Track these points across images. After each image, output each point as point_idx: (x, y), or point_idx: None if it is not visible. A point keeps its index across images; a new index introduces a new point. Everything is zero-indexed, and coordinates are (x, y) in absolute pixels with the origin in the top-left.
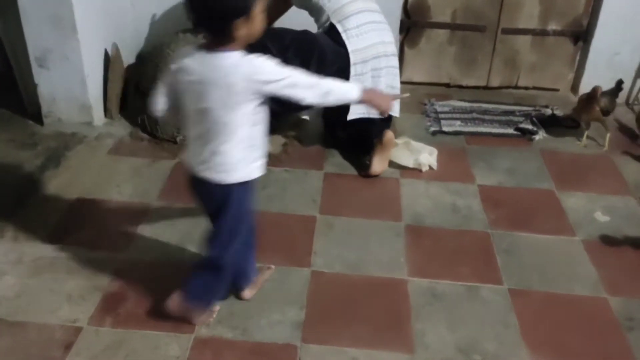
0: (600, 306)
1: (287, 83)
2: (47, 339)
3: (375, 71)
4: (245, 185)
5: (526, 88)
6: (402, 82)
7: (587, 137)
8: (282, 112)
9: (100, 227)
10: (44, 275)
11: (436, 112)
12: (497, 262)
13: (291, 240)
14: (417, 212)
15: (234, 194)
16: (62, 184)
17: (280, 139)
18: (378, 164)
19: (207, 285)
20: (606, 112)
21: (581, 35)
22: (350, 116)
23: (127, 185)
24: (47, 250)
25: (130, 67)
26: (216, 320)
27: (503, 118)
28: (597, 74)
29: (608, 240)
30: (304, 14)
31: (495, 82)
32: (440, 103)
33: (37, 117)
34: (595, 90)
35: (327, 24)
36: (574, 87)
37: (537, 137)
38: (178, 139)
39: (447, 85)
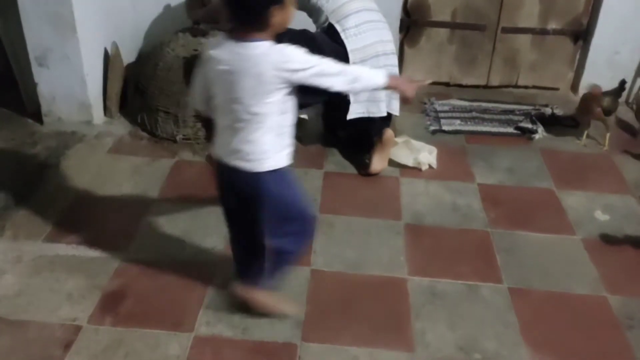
0: (600, 305)
1: (315, 71)
2: (47, 337)
3: None
4: (276, 173)
5: (526, 87)
6: None
7: (588, 136)
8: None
9: (100, 226)
10: (43, 274)
11: (436, 111)
12: (497, 261)
13: None
14: (417, 210)
15: (266, 182)
16: (61, 182)
17: None
18: (378, 163)
19: (276, 269)
20: (608, 112)
21: (581, 34)
22: (350, 116)
23: (127, 184)
24: (47, 249)
25: (129, 66)
26: (216, 318)
27: (503, 117)
28: (597, 73)
29: (608, 239)
30: (303, 14)
31: (495, 81)
32: (440, 102)
33: (36, 116)
34: (594, 89)
35: (326, 24)
36: (574, 86)
37: (536, 136)
38: (178, 138)
39: (447, 84)
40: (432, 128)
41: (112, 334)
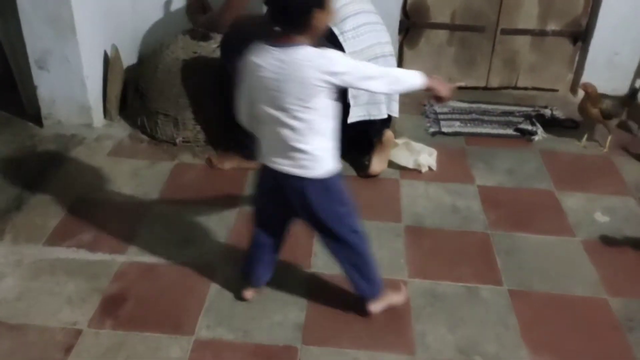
0: (601, 307)
1: (359, 74)
2: (47, 341)
3: None
4: (333, 177)
5: (525, 89)
6: None
7: (589, 138)
8: None
9: (100, 229)
10: (43, 278)
11: (435, 113)
12: (497, 262)
13: (292, 242)
14: (417, 212)
15: (324, 186)
16: (61, 185)
17: None
18: (377, 164)
19: (360, 275)
20: (608, 115)
21: (580, 35)
22: (351, 119)
23: (127, 186)
24: (47, 252)
25: (129, 69)
26: (216, 321)
27: (502, 119)
28: (597, 75)
29: (608, 241)
30: None
31: (494, 82)
32: (440, 104)
33: (36, 118)
34: (584, 87)
35: None
36: (573, 88)
37: (536, 137)
38: (177, 141)
39: None
40: (431, 130)
41: (112, 337)
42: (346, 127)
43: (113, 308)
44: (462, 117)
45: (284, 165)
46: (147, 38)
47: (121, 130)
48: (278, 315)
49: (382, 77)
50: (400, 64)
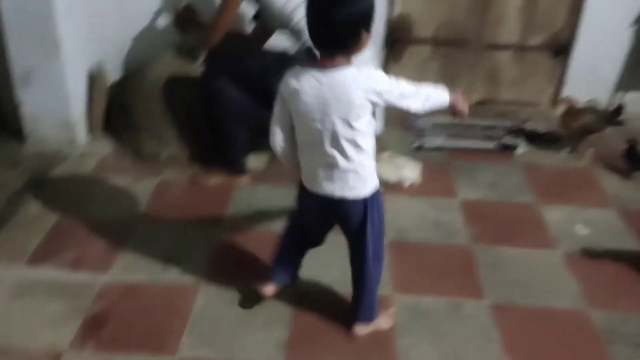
0: (582, 320)
1: (398, 93)
2: None
3: None
4: (378, 193)
5: (508, 102)
6: None
7: (569, 151)
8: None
9: (83, 248)
10: (25, 298)
11: (419, 128)
12: (480, 276)
13: None
14: (401, 227)
15: (372, 203)
16: (44, 203)
17: (263, 155)
18: None
19: (372, 300)
20: (588, 129)
21: (561, 49)
22: None
23: (111, 204)
24: (29, 272)
25: (114, 85)
26: (200, 341)
27: (485, 133)
28: (578, 88)
29: (589, 254)
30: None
31: (477, 96)
32: (423, 118)
33: (19, 136)
34: (564, 101)
35: (305, 46)
36: (555, 101)
37: (518, 151)
38: (162, 157)
39: None
40: (415, 145)
41: (94, 359)
42: None
43: (95, 329)
44: (445, 131)
45: (333, 188)
46: (133, 54)
47: (105, 147)
48: (261, 333)
49: (416, 96)
50: None
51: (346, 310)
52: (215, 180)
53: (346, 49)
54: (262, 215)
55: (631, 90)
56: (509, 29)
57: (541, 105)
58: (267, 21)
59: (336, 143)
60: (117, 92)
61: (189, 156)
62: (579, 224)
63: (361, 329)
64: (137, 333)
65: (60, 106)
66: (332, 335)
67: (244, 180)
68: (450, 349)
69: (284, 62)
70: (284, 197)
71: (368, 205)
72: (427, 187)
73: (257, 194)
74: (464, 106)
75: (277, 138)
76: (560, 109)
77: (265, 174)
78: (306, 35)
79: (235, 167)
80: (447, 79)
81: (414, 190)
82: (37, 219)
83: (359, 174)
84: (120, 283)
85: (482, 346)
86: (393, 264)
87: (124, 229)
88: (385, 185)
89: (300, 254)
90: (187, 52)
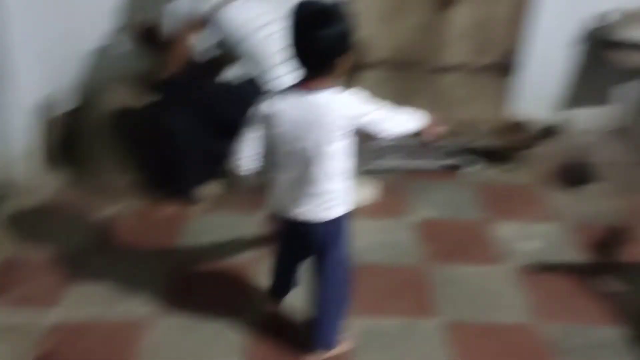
0: (531, 333)
1: (374, 117)
2: None
3: None
4: (346, 217)
5: (459, 122)
6: None
7: (512, 167)
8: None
9: (31, 285)
10: None
11: (374, 149)
12: (433, 295)
13: (232, 288)
14: (356, 249)
15: (339, 227)
16: None
17: (218, 184)
18: None
19: (332, 327)
20: (524, 146)
21: (509, 69)
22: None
23: (61, 239)
24: None
25: (66, 116)
26: None
27: (437, 152)
28: (525, 106)
29: (537, 268)
30: None
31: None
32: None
33: None
34: (504, 120)
35: (253, 75)
36: (503, 120)
37: (469, 169)
38: (115, 188)
39: None
40: (370, 166)
41: None
42: None
43: None
44: (399, 152)
45: (302, 212)
46: (86, 84)
47: (57, 179)
48: None
49: (392, 120)
50: None
51: (301, 337)
52: (168, 210)
53: (329, 70)
54: (216, 244)
55: (574, 107)
56: (458, 51)
57: (491, 124)
58: (224, 48)
59: (311, 165)
60: (70, 123)
61: (142, 187)
62: (527, 239)
63: (315, 358)
64: None
65: (9, 139)
66: None
67: (198, 209)
68: None
69: (236, 92)
70: (238, 225)
71: (334, 228)
72: (381, 208)
73: (211, 222)
74: (438, 131)
75: (247, 159)
76: (499, 126)
77: (220, 202)
78: (258, 63)
79: (188, 197)
80: (401, 100)
81: (369, 212)
82: None
83: (331, 196)
84: (71, 319)
85: None
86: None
87: (75, 262)
88: None
89: (292, 269)
90: (147, 80)
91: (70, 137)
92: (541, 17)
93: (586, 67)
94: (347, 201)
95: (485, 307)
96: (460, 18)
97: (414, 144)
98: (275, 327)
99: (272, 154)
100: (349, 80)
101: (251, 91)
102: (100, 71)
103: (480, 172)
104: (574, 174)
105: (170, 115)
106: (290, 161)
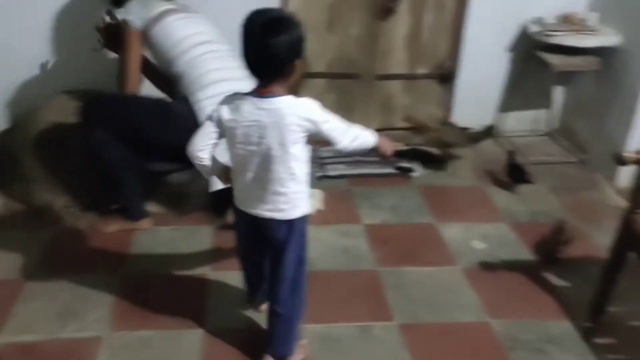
0: (484, 330)
1: (330, 125)
2: None
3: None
4: (305, 219)
5: (402, 129)
6: None
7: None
8: (164, 172)
9: None
10: None
11: (320, 158)
12: (387, 299)
13: (182, 301)
14: (308, 257)
15: (298, 227)
16: None
17: (166, 196)
18: None
19: (289, 333)
20: (446, 144)
21: (446, 77)
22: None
23: (2, 262)
24: None
25: (2, 134)
26: None
27: (383, 159)
28: (464, 111)
29: (486, 266)
30: None
31: (374, 125)
32: (323, 148)
33: None
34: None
35: (185, 92)
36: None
37: (414, 174)
38: (56, 207)
39: None
40: (317, 174)
41: None
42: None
43: None
44: (345, 159)
45: (262, 210)
46: (20, 100)
47: None
48: None
49: (345, 133)
50: None
51: (258, 346)
52: (113, 227)
53: (283, 76)
54: (164, 258)
55: (510, 110)
56: (397, 60)
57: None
58: (157, 66)
59: (270, 166)
60: (5, 141)
61: (84, 205)
62: (475, 239)
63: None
64: None
65: None
66: None
67: (144, 224)
68: None
69: (162, 110)
70: (186, 238)
71: (292, 229)
72: (331, 215)
73: (158, 237)
74: (389, 149)
75: (199, 149)
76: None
77: (166, 216)
78: (191, 82)
79: (132, 213)
80: (343, 110)
81: (318, 219)
82: None
83: (289, 197)
84: (15, 345)
85: None
86: None
87: (17, 286)
88: None
89: (260, 271)
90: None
91: (8, 155)
92: (475, 24)
93: (522, 71)
94: (306, 204)
95: (438, 308)
96: (399, 27)
97: (360, 152)
98: (232, 338)
99: (230, 154)
100: (296, 88)
101: (182, 109)
102: (39, 87)
103: (426, 176)
104: (513, 175)
105: (97, 134)
106: (249, 162)
